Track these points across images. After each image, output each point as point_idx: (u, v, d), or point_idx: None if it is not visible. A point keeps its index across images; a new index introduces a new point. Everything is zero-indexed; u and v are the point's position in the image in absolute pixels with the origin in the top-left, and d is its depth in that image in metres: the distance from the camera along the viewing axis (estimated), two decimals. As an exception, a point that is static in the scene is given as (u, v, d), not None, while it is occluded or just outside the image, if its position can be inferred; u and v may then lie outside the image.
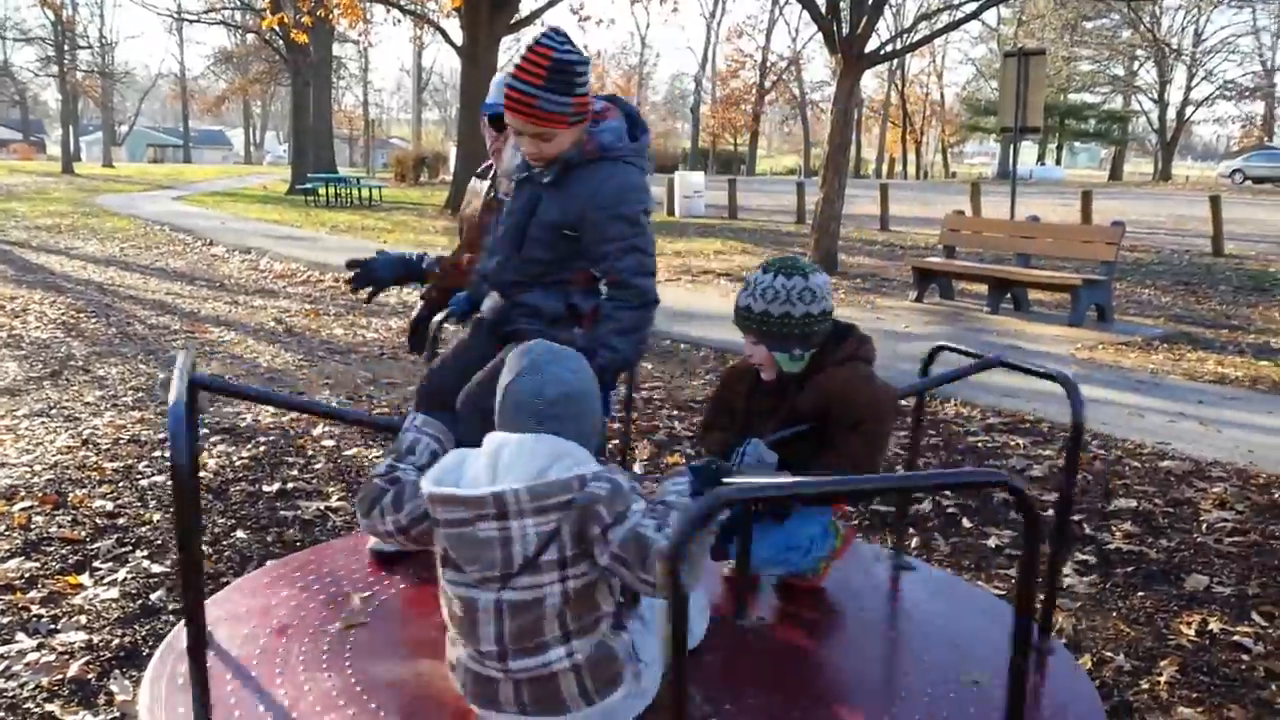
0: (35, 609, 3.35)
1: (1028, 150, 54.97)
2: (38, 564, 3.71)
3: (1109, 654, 3.20)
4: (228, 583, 3.14)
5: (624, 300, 2.65)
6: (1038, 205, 19.84)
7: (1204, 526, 4.35)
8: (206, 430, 5.49)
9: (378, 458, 4.90)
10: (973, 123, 58.18)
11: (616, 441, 4.63)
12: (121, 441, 5.27)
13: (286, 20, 19.45)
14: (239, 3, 36.18)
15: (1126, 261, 14.04)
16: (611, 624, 1.96)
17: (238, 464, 4.88)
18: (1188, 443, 5.62)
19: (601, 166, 2.63)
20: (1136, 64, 54.65)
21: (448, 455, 1.97)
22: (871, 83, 64.08)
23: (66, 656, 3.04)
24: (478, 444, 1.96)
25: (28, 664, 2.99)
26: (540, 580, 1.84)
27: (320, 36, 28.03)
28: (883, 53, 14.77)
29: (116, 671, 2.97)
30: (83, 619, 3.29)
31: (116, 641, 3.14)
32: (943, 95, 66.46)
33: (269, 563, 3.48)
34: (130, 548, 3.89)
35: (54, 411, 5.89)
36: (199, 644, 2.00)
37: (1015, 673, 1.62)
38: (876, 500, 4.55)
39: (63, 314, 9.34)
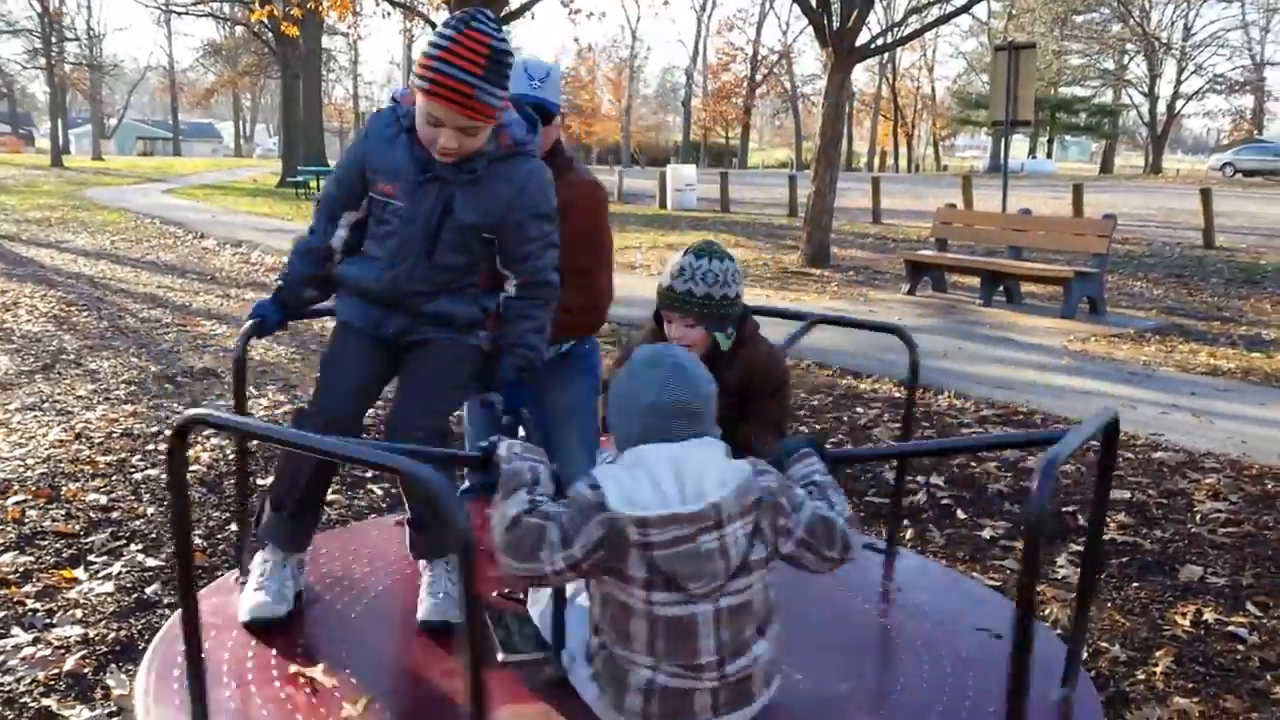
0: (30, 603, 3.34)
1: (1019, 144, 55.11)
2: (32, 558, 3.69)
3: (1104, 644, 3.21)
4: (221, 575, 3.12)
5: (538, 298, 2.55)
6: (1029, 198, 19.86)
7: (1198, 517, 4.37)
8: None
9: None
10: (964, 116, 58.21)
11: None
12: (114, 435, 5.25)
13: (276, 12, 19.34)
14: (228, -5, 36.01)
15: (1118, 254, 14.07)
16: None
17: (231, 457, 4.86)
18: (1181, 434, 5.64)
19: (518, 163, 2.44)
20: (1127, 58, 54.71)
21: (613, 478, 1.84)
22: (862, 76, 64.10)
23: (62, 651, 3.03)
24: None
25: (24, 658, 2.98)
26: (750, 580, 1.86)
27: (310, 29, 27.93)
28: (873, 46, 14.78)
29: (113, 665, 2.96)
30: (78, 613, 3.28)
31: (112, 635, 3.14)
32: (934, 89, 66.42)
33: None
34: (124, 541, 3.88)
35: (46, 405, 5.86)
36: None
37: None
38: (870, 492, 4.57)
39: (54, 308, 9.29)
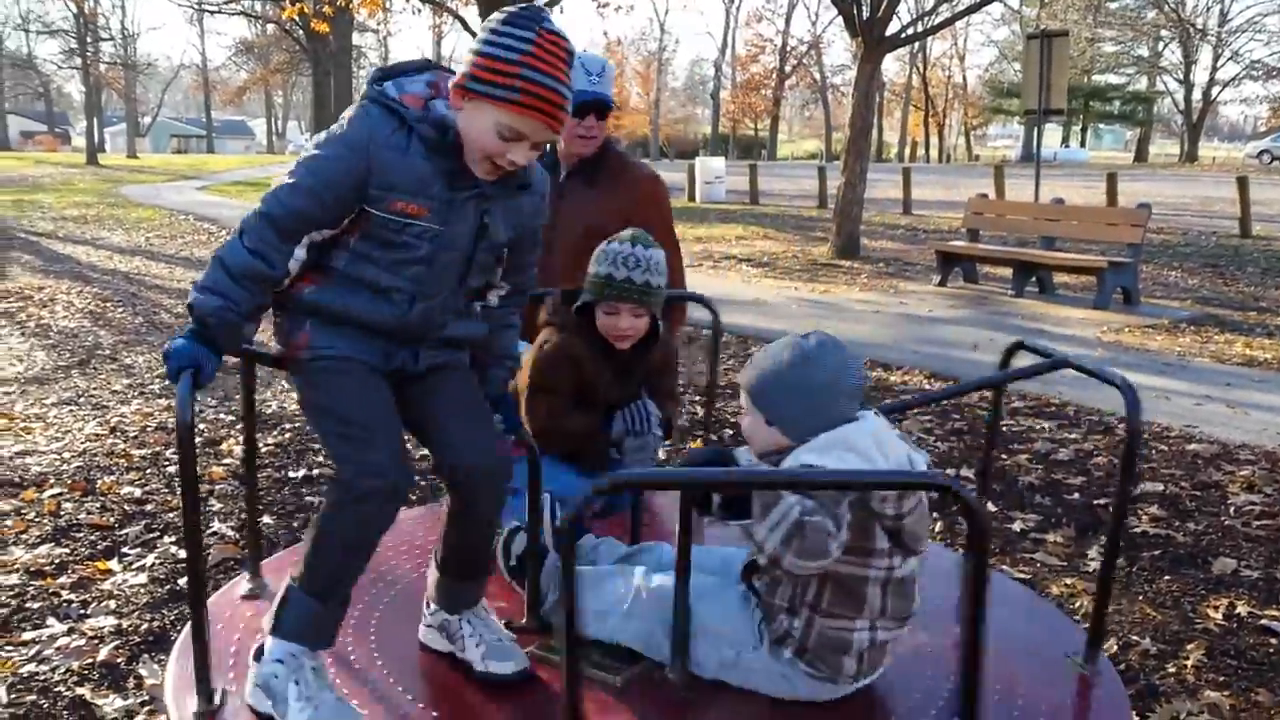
0: (65, 594, 3.39)
1: (1052, 133, 54.49)
2: (67, 550, 3.75)
3: (1135, 638, 3.18)
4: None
5: (518, 304, 2.36)
6: (1062, 188, 19.67)
7: (1231, 510, 4.31)
8: (231, 417, 5.54)
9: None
10: (996, 105, 57.68)
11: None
12: (149, 429, 5.32)
13: (306, 10, 19.45)
14: (259, -7, 36.32)
15: (1153, 244, 13.90)
16: None
17: (263, 450, 4.91)
18: (1215, 426, 5.57)
19: (535, 167, 2.16)
20: (1161, 44, 53.92)
21: (835, 462, 1.84)
22: (893, 66, 63.70)
23: (96, 641, 3.08)
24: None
25: (59, 648, 3.03)
26: None
27: (340, 26, 28.02)
28: (904, 36, 14.66)
29: (145, 655, 3.01)
30: (112, 604, 3.33)
31: (145, 626, 3.18)
32: (965, 78, 65.91)
33: (293, 546, 3.50)
34: (158, 534, 3.93)
35: (82, 400, 5.95)
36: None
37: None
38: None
39: (90, 303, 9.43)
